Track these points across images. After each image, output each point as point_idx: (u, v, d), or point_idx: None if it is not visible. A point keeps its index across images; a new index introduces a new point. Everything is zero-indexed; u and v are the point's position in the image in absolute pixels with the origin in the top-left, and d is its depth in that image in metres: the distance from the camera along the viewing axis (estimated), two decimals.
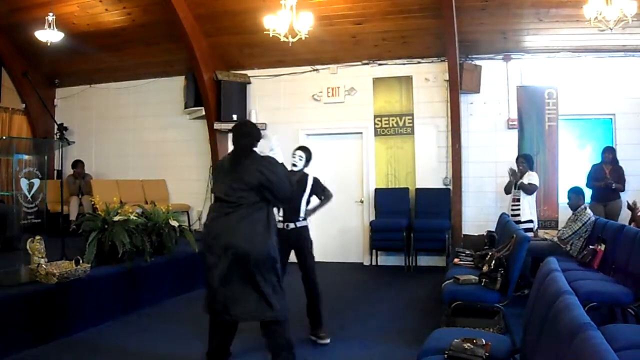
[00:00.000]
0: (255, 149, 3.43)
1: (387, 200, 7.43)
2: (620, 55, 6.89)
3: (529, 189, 5.75)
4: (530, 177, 5.82)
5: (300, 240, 4.25)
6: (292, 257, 4.25)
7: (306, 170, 4.45)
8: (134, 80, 8.69)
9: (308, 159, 4.44)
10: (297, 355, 3.37)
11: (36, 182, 4.51)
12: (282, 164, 3.53)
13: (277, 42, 5.77)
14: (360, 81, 7.72)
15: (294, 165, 4.35)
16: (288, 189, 3.41)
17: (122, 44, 7.90)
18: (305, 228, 4.29)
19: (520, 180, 5.78)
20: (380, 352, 3.83)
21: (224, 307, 3.20)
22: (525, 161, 5.96)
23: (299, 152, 4.42)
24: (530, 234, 5.36)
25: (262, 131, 3.77)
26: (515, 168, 5.92)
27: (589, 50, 6.94)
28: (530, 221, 5.78)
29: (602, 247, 4.65)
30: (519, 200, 5.82)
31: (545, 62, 7.13)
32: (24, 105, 8.83)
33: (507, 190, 6.04)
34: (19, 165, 4.43)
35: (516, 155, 6.32)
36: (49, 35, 6.57)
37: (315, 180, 4.44)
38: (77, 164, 8.26)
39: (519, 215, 5.79)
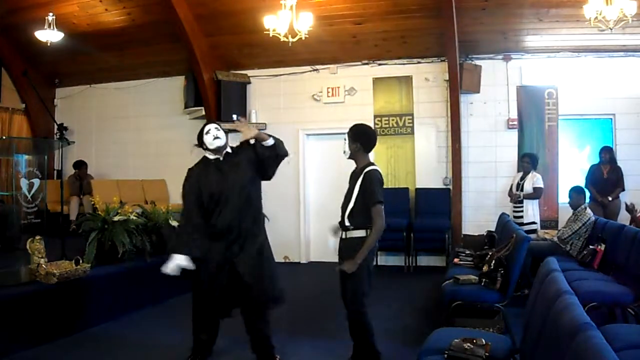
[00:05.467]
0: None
1: (387, 200, 7.36)
2: (620, 55, 6.89)
3: (536, 195, 5.76)
4: (535, 180, 5.83)
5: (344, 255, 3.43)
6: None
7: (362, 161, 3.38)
8: (134, 80, 8.68)
9: (356, 140, 3.31)
10: (297, 354, 3.35)
11: (36, 182, 4.51)
12: None
13: (277, 42, 5.78)
14: (360, 81, 7.71)
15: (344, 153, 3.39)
16: None
17: (122, 44, 7.90)
18: (354, 240, 3.45)
19: (523, 192, 5.79)
20: (381, 352, 3.82)
21: None
22: (530, 160, 5.96)
23: (346, 135, 3.37)
24: (533, 235, 5.36)
25: (262, 131, 3.67)
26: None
27: (589, 50, 6.94)
28: (534, 222, 5.79)
29: (602, 247, 4.65)
30: (522, 202, 5.82)
31: (545, 62, 7.12)
32: (24, 105, 8.83)
33: (511, 199, 6.05)
34: (18, 165, 4.43)
35: (521, 155, 6.32)
36: (49, 35, 6.59)
37: (366, 176, 3.33)
38: (81, 166, 8.24)
39: (522, 217, 5.79)
